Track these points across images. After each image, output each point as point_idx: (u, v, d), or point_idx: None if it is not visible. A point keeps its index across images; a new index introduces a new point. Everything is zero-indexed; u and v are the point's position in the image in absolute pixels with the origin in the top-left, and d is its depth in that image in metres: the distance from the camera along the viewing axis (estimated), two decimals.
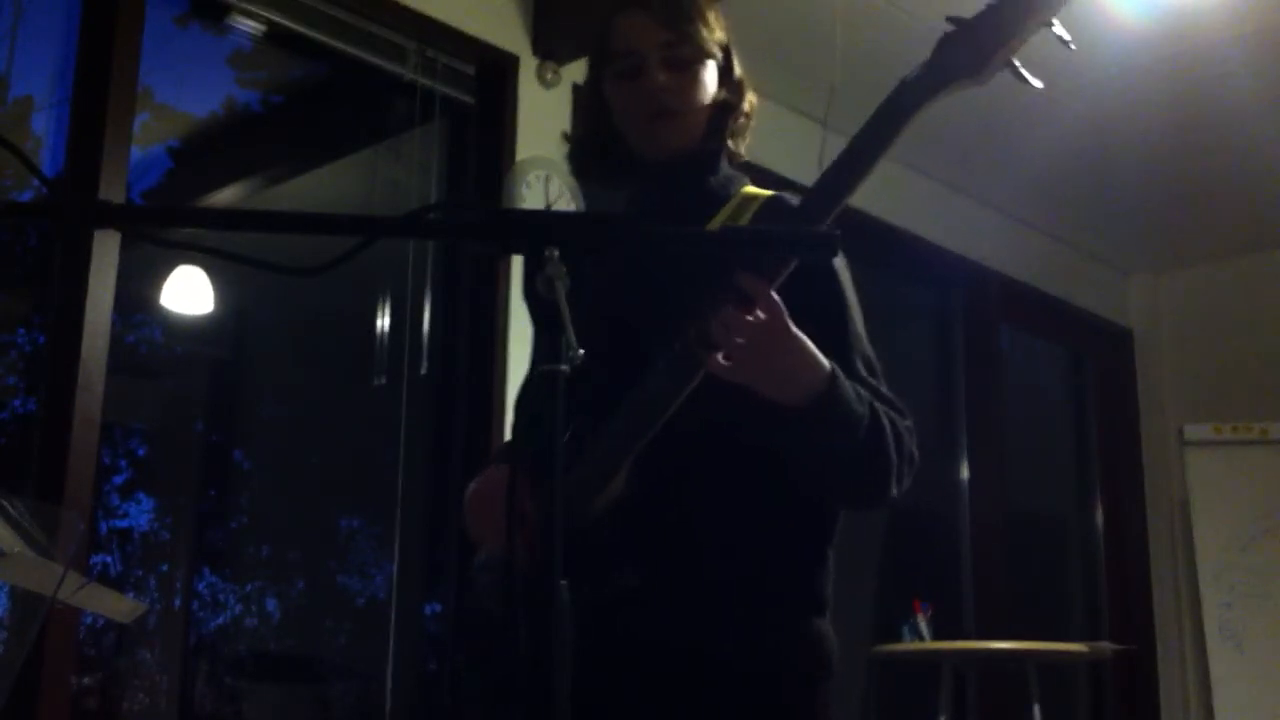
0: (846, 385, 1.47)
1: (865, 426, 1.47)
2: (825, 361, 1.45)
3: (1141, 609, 5.53)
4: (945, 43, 1.45)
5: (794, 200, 1.64)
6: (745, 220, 1.63)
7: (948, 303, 5.24)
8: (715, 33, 1.69)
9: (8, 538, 1.86)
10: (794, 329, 1.41)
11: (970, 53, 1.42)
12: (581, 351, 1.06)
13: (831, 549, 1.63)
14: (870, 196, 4.37)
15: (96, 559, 3.17)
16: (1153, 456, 5.66)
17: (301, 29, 3.31)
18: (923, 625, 4.29)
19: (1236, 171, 4.80)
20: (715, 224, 1.65)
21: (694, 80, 1.66)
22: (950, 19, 1.45)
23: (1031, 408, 5.66)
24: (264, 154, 3.79)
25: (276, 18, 3.27)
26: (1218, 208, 5.15)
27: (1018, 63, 1.43)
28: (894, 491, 1.54)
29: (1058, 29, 1.42)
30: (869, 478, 1.53)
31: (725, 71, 1.71)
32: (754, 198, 1.67)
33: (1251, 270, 5.58)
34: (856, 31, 3.52)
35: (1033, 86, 1.44)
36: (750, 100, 1.74)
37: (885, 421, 1.51)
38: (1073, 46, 1.41)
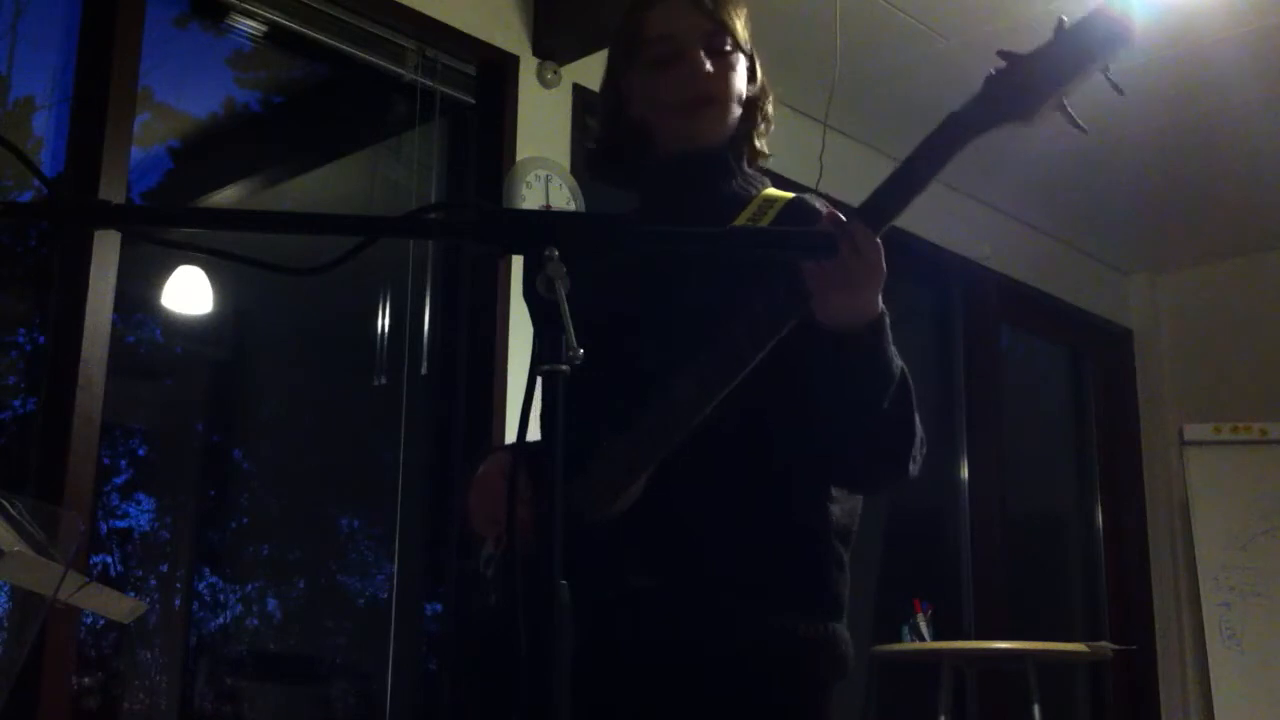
0: (889, 339, 1.47)
1: (899, 377, 1.47)
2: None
3: (1141, 609, 5.53)
4: (995, 80, 1.40)
5: (816, 202, 1.64)
6: (767, 222, 1.62)
7: (948, 303, 5.24)
8: (745, 30, 1.69)
9: (8, 537, 1.86)
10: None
11: (1021, 95, 1.38)
12: (581, 351, 1.06)
13: (849, 553, 1.63)
14: None
15: (96, 559, 3.17)
16: (1153, 456, 5.66)
17: (301, 29, 3.31)
18: (923, 625, 4.29)
19: (1237, 171, 4.80)
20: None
21: (732, 69, 1.67)
22: (1001, 53, 1.40)
23: (1031, 408, 5.66)
24: (264, 154, 3.79)
25: (276, 18, 3.27)
26: (1218, 208, 5.15)
27: (1068, 105, 1.38)
28: (913, 467, 1.52)
29: (1111, 75, 1.37)
30: (896, 439, 1.50)
31: (751, 71, 1.71)
32: (776, 200, 1.66)
33: (1251, 270, 5.58)
34: (856, 31, 3.52)
35: (1081, 131, 1.39)
36: (772, 102, 1.74)
37: (912, 389, 1.50)
38: (1123, 93, 1.37)
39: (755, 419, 1.50)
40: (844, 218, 1.41)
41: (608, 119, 1.76)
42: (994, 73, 1.40)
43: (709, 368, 1.44)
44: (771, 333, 1.42)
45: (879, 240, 1.40)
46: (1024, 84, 1.37)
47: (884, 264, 1.40)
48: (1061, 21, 1.36)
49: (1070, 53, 1.36)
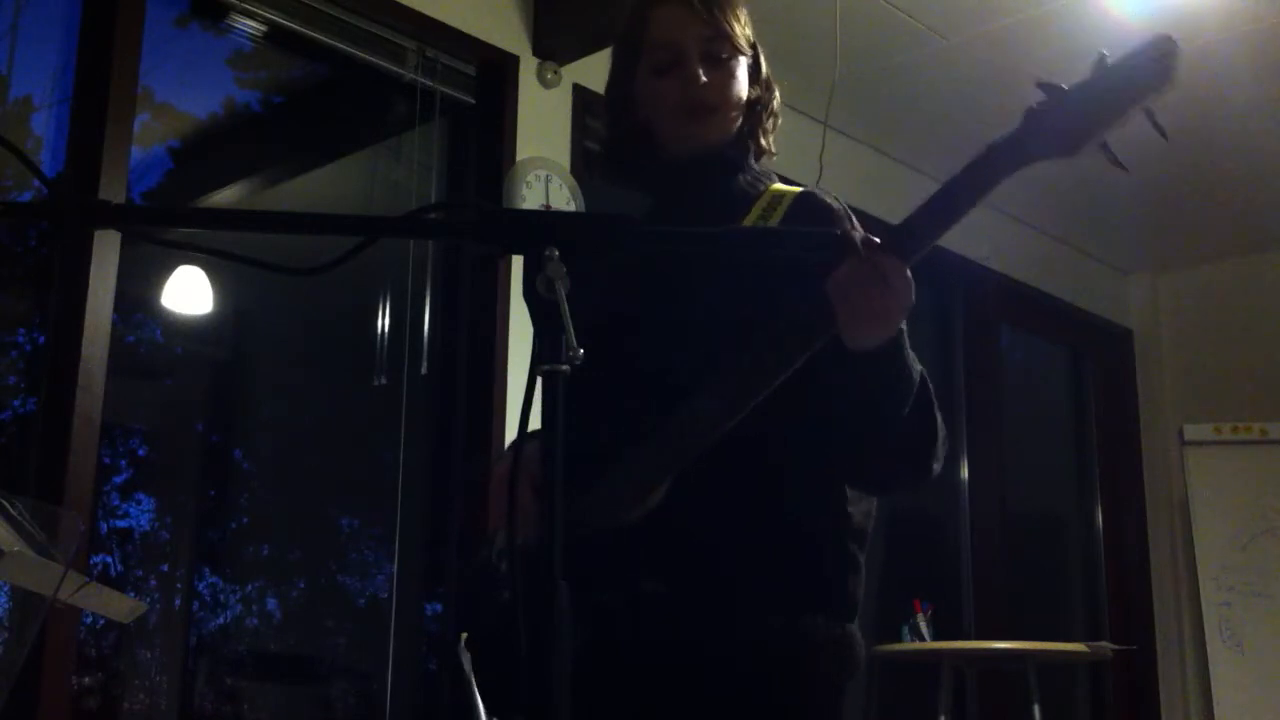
0: (907, 345, 1.47)
1: (919, 384, 1.47)
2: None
3: (1141, 609, 5.53)
4: (1035, 115, 1.34)
5: (827, 197, 1.64)
6: (777, 218, 1.62)
7: (948, 303, 5.24)
8: (746, 29, 1.68)
9: (8, 538, 1.86)
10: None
11: (1063, 132, 1.33)
12: (581, 351, 1.06)
13: (864, 554, 1.63)
14: (870, 196, 4.38)
15: (96, 559, 3.17)
16: (1153, 456, 5.66)
17: (301, 29, 3.31)
18: (923, 625, 4.29)
19: (1236, 171, 4.80)
20: (746, 224, 1.63)
21: (731, 77, 1.66)
22: (1041, 85, 1.34)
23: (1031, 408, 5.66)
24: (264, 154, 3.79)
25: (276, 18, 3.27)
26: (1218, 208, 5.15)
27: (1109, 144, 1.34)
28: (936, 467, 1.52)
29: (1156, 116, 1.32)
30: (918, 443, 1.49)
31: (754, 70, 1.70)
32: (784, 195, 1.65)
33: (1251, 270, 5.59)
34: (856, 31, 3.52)
35: (1122, 170, 1.35)
36: (778, 98, 1.73)
37: (931, 390, 1.50)
38: (1167, 137, 1.32)
39: (768, 423, 1.48)
40: (877, 240, 1.37)
41: (614, 120, 1.75)
42: (1034, 106, 1.34)
43: (735, 383, 1.42)
44: (801, 350, 1.41)
45: (909, 274, 1.37)
46: (1066, 120, 1.33)
47: (913, 296, 1.38)
48: (1103, 57, 1.31)
49: (1113, 91, 1.31)
